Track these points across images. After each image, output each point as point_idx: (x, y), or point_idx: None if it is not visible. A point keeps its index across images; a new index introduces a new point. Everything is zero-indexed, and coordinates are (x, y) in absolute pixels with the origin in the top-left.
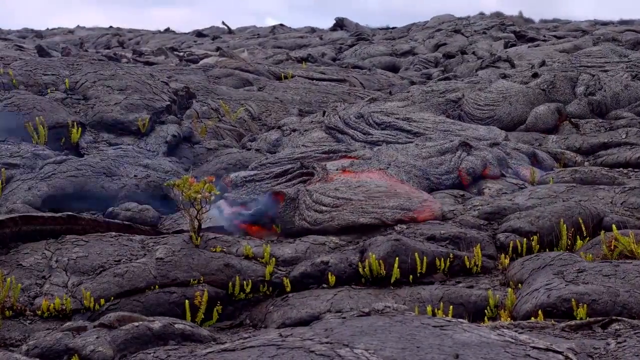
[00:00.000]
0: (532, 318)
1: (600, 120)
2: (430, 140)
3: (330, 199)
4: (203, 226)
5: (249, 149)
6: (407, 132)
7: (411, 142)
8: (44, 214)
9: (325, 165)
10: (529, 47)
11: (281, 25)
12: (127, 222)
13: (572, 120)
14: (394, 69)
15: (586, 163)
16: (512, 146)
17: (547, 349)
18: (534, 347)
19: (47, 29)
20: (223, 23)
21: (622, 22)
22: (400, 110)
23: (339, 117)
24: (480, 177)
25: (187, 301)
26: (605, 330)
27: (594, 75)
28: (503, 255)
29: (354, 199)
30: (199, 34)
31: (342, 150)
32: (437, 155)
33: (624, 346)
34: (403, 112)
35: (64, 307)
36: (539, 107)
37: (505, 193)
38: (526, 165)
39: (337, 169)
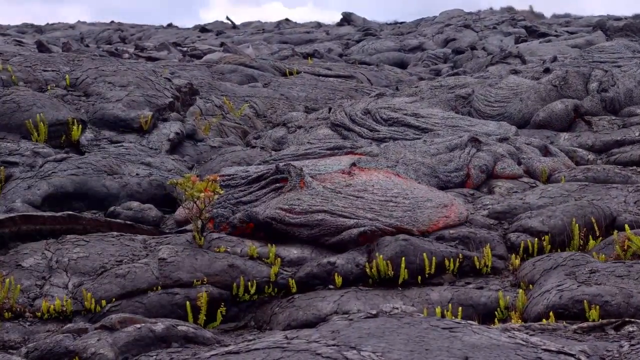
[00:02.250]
0: (544, 320)
1: (614, 117)
2: (438, 136)
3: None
4: None
5: (254, 147)
6: (414, 128)
7: (419, 139)
8: (44, 214)
9: (301, 169)
10: (540, 42)
11: (286, 20)
12: (129, 222)
13: (585, 117)
14: (402, 64)
15: (599, 161)
16: (522, 141)
17: (558, 352)
18: (545, 350)
19: (47, 23)
20: (227, 18)
21: (636, 17)
22: (408, 106)
23: (345, 114)
24: (492, 175)
25: (189, 302)
26: (619, 332)
27: (607, 71)
28: (514, 255)
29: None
30: (203, 29)
31: (348, 147)
32: (445, 151)
33: (637, 348)
34: (411, 108)
35: (65, 309)
36: (555, 105)
37: (516, 192)
38: (538, 159)
39: (337, 169)
